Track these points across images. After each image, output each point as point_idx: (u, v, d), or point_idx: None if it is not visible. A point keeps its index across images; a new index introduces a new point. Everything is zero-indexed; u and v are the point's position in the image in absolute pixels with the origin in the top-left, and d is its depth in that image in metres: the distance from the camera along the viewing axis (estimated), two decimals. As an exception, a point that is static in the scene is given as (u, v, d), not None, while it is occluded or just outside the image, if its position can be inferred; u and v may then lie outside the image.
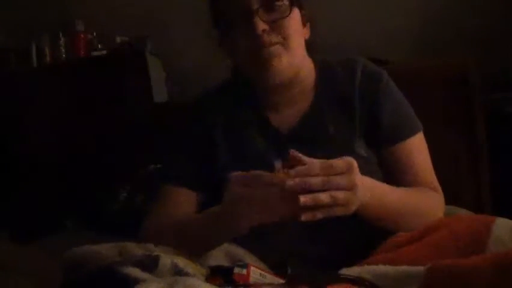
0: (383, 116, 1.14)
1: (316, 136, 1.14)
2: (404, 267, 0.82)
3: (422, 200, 1.11)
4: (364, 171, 1.08)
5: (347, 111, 1.15)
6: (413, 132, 1.16)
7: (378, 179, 1.11)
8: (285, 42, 1.08)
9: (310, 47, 1.19)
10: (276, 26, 1.08)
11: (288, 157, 0.94)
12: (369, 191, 0.96)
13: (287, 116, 1.17)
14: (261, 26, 1.06)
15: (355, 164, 0.91)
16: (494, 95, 2.24)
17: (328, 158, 1.07)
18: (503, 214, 0.97)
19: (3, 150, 2.90)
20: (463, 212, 1.24)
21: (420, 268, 0.78)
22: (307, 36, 1.16)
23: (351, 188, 0.89)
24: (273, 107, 1.18)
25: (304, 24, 1.15)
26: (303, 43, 1.15)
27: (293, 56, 1.10)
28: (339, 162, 0.90)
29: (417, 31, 2.84)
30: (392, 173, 1.15)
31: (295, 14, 1.11)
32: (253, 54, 1.08)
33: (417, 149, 1.17)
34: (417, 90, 1.18)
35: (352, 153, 1.09)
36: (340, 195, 0.88)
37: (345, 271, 0.88)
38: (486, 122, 1.51)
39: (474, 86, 1.50)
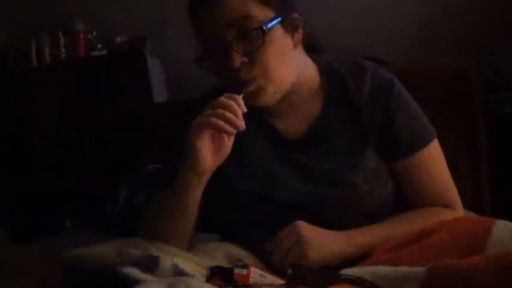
0: (396, 130, 1.10)
1: (323, 146, 1.11)
2: (404, 268, 0.82)
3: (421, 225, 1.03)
4: (372, 183, 1.08)
5: (356, 121, 1.11)
6: (425, 144, 1.12)
7: (387, 190, 1.11)
8: (266, 74, 1.03)
9: (312, 46, 1.16)
10: (254, 56, 1.02)
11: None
12: (343, 241, 1.02)
13: (293, 122, 1.13)
14: (238, 59, 1.01)
15: (298, 223, 1.01)
16: (494, 95, 2.24)
17: (334, 169, 1.08)
18: (503, 214, 0.97)
19: (3, 150, 2.90)
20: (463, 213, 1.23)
21: (421, 269, 0.78)
22: (298, 43, 1.10)
23: (296, 241, 0.99)
24: (276, 113, 1.13)
25: (295, 30, 1.08)
26: (291, 59, 1.08)
27: (278, 84, 1.05)
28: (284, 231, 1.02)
29: (417, 31, 2.83)
30: (402, 185, 1.13)
31: (274, 36, 1.03)
32: (237, 89, 1.04)
33: (429, 160, 1.12)
34: (417, 90, 1.17)
35: (359, 164, 1.08)
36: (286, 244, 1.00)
37: (345, 271, 0.88)
38: (486, 122, 1.51)
39: (474, 86, 1.50)
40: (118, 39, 3.14)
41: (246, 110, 0.99)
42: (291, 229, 1.01)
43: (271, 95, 1.06)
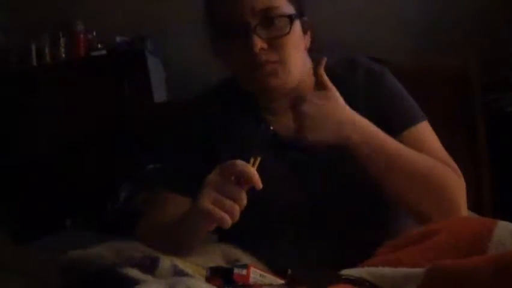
0: (384, 107, 1.11)
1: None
2: (404, 269, 0.82)
3: (436, 167, 1.04)
4: (370, 180, 1.07)
5: None
6: (417, 120, 1.12)
7: None
8: (283, 61, 1.05)
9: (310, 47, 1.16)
10: (275, 43, 1.04)
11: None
12: (359, 128, 1.02)
13: (287, 120, 1.11)
14: (259, 44, 1.02)
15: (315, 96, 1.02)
16: (494, 95, 2.25)
17: (328, 166, 1.09)
18: (504, 214, 0.97)
19: (4, 151, 2.90)
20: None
21: (420, 270, 0.78)
22: (308, 44, 1.13)
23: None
24: (272, 110, 1.15)
25: (305, 32, 1.11)
26: (303, 55, 1.11)
27: (291, 73, 1.07)
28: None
29: (418, 31, 2.84)
30: None
31: (296, 28, 1.07)
32: (250, 72, 1.05)
33: (425, 136, 1.12)
34: (418, 90, 1.17)
35: (355, 160, 1.07)
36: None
37: (345, 271, 0.88)
38: (486, 122, 1.51)
39: (474, 86, 1.50)
40: (118, 39, 3.14)
41: (260, 186, 0.94)
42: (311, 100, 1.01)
43: (283, 79, 1.07)
